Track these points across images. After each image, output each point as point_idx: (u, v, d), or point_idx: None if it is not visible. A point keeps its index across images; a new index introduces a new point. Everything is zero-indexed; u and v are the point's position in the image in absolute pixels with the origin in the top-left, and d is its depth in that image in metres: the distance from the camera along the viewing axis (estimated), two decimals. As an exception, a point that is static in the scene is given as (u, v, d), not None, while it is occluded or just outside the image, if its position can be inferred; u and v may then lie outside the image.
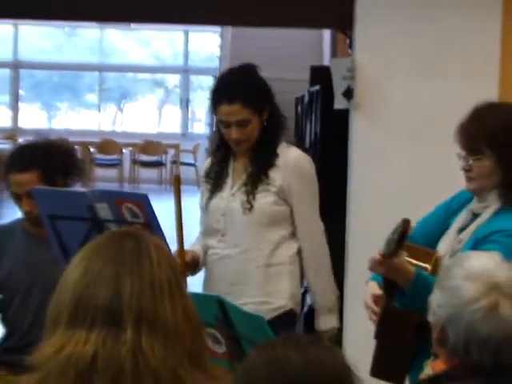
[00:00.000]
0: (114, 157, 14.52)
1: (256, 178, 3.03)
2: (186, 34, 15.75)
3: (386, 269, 2.32)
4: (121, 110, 16.92)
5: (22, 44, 15.84)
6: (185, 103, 15.92)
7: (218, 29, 12.75)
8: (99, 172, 14.04)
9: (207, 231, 3.14)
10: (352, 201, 4.07)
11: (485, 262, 1.87)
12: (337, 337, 3.24)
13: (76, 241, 2.64)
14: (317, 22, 4.46)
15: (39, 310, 2.82)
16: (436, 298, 1.88)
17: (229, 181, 3.09)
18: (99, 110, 16.43)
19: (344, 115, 4.11)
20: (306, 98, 5.64)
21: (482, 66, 3.95)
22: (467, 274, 1.84)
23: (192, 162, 14.36)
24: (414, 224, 2.37)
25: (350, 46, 4.37)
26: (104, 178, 13.60)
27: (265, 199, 3.02)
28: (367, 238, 3.66)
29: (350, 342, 3.94)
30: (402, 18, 3.99)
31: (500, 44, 3.96)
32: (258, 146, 3.05)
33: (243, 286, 3.03)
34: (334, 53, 7.99)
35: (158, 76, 16.87)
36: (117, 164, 14.49)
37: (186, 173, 13.04)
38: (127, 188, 13.89)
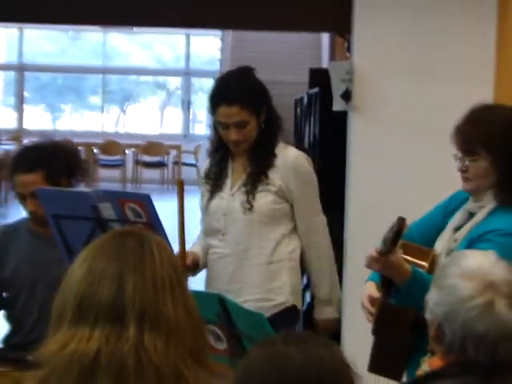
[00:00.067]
0: (117, 157, 14.53)
1: (255, 178, 3.05)
2: (188, 37, 15.75)
3: (381, 266, 2.34)
4: (124, 111, 16.92)
5: (27, 47, 15.86)
6: (186, 105, 15.93)
7: (218, 32, 12.79)
8: (102, 172, 14.05)
9: (208, 231, 3.16)
10: (350, 201, 4.09)
11: (480, 260, 1.88)
12: (335, 327, 3.27)
13: (80, 240, 2.66)
14: (316, 26, 4.47)
15: (44, 308, 2.85)
16: (433, 296, 1.89)
17: (228, 181, 3.11)
18: (102, 112, 16.44)
19: (342, 117, 4.12)
20: (305, 100, 5.64)
21: (478, 69, 3.96)
22: (463, 272, 1.85)
23: (193, 162, 14.36)
24: (409, 222, 2.39)
25: (348, 49, 4.40)
26: (107, 179, 13.62)
27: (264, 199, 3.04)
28: (366, 238, 3.68)
29: (348, 338, 3.95)
30: (400, 22, 4.01)
31: (495, 48, 3.97)
32: (256, 147, 3.07)
33: (244, 284, 3.04)
34: (333, 56, 8.00)
35: (160, 78, 16.88)
36: (120, 165, 14.51)
37: (187, 173, 13.08)
38: (130, 188, 13.88)
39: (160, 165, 14.70)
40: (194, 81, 16.21)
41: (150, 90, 17.09)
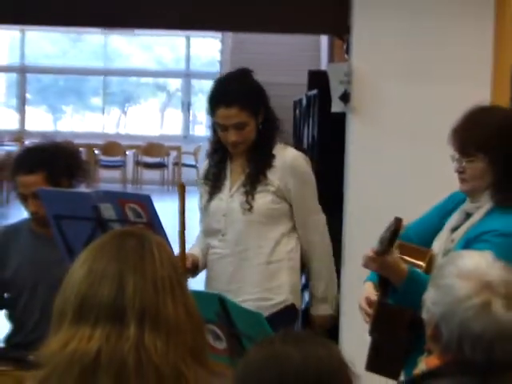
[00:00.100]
0: (118, 158, 14.53)
1: (254, 179, 3.06)
2: (188, 39, 15.75)
3: (378, 266, 2.35)
4: (124, 113, 16.93)
5: (29, 49, 15.87)
6: (186, 106, 15.93)
7: (218, 34, 12.81)
8: (103, 173, 14.05)
9: (208, 231, 3.17)
10: (349, 202, 4.10)
11: (477, 261, 1.88)
12: (330, 323, 3.27)
13: (80, 240, 2.67)
14: (314, 28, 4.49)
15: (45, 308, 2.86)
16: (430, 296, 1.89)
17: (227, 182, 3.13)
18: (103, 113, 16.44)
19: (341, 118, 4.13)
20: (304, 102, 5.65)
21: (476, 69, 3.97)
22: (460, 272, 1.85)
23: (193, 163, 14.36)
24: (406, 223, 2.41)
25: (347, 51, 4.40)
26: (108, 179, 13.63)
27: (263, 199, 3.06)
28: (364, 238, 3.69)
29: (346, 337, 3.96)
30: (398, 23, 4.02)
31: (493, 48, 3.98)
32: (254, 148, 3.08)
33: (243, 284, 3.06)
34: (331, 58, 8.01)
35: (161, 80, 16.89)
36: (120, 165, 14.52)
37: (187, 174, 13.09)
38: (130, 189, 13.89)
39: (160, 166, 14.71)
40: (194, 82, 16.21)
41: (151, 92, 17.10)
